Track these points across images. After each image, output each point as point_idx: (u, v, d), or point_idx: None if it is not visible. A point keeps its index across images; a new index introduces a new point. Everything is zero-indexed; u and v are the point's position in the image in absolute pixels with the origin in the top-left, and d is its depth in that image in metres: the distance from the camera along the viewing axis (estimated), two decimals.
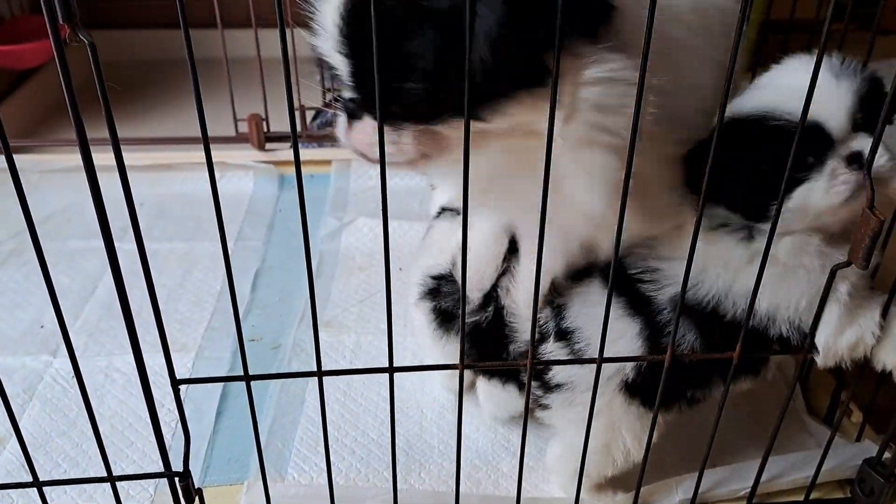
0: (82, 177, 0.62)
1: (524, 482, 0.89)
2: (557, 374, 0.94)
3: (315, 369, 0.78)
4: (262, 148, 1.87)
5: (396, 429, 1.13)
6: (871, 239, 0.72)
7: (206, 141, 0.63)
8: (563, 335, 0.93)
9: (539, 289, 0.73)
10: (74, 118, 0.59)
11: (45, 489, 0.82)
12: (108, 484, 0.82)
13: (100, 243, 0.66)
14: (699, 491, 0.94)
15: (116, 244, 0.66)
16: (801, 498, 1.00)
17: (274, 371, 1.25)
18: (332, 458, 1.08)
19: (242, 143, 1.91)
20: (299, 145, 0.76)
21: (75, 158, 0.63)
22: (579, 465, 0.89)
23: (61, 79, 0.58)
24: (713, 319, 0.85)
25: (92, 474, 1.02)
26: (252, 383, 0.80)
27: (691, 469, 1.06)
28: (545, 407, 0.99)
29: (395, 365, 0.79)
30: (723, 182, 0.80)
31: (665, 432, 0.94)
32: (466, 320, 0.92)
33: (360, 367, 1.29)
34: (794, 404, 1.17)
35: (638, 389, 0.91)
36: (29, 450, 1.09)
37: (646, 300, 0.88)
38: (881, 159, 0.75)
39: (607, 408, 0.91)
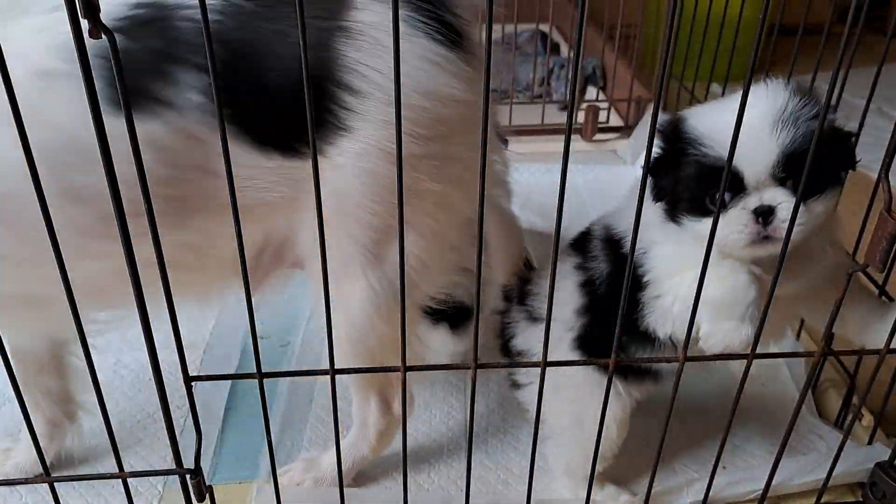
0: None
1: (535, 483, 0.88)
2: (518, 342, 1.03)
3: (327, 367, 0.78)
4: None
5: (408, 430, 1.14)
6: (889, 242, 0.72)
7: (223, 132, 0.63)
8: (523, 299, 1.04)
9: (552, 299, 0.73)
10: (94, 117, 0.59)
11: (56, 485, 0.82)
12: (118, 481, 0.82)
13: None
14: (710, 493, 0.94)
15: None
16: (813, 501, 0.99)
17: (283, 369, 1.25)
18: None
19: None
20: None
21: None
22: (571, 458, 0.97)
23: (82, 75, 0.58)
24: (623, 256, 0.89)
25: (101, 471, 1.03)
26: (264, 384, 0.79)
27: (701, 471, 1.06)
28: (518, 385, 1.05)
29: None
30: (658, 179, 0.82)
31: (635, 407, 0.99)
32: None
33: None
34: (804, 407, 1.17)
35: (590, 347, 0.95)
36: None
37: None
38: (783, 212, 0.75)
39: (565, 376, 0.93)
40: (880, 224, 0.72)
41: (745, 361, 0.80)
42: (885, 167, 0.73)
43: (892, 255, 0.76)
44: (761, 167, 0.74)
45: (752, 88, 0.70)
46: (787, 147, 0.74)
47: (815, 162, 0.66)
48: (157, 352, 0.73)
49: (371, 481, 1.06)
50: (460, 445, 1.11)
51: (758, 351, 0.79)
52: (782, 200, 0.75)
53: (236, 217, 0.66)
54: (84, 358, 0.72)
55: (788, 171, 0.74)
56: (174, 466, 0.81)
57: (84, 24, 0.56)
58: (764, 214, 0.75)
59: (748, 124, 0.70)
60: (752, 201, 0.76)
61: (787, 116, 0.74)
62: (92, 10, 0.55)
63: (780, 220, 0.74)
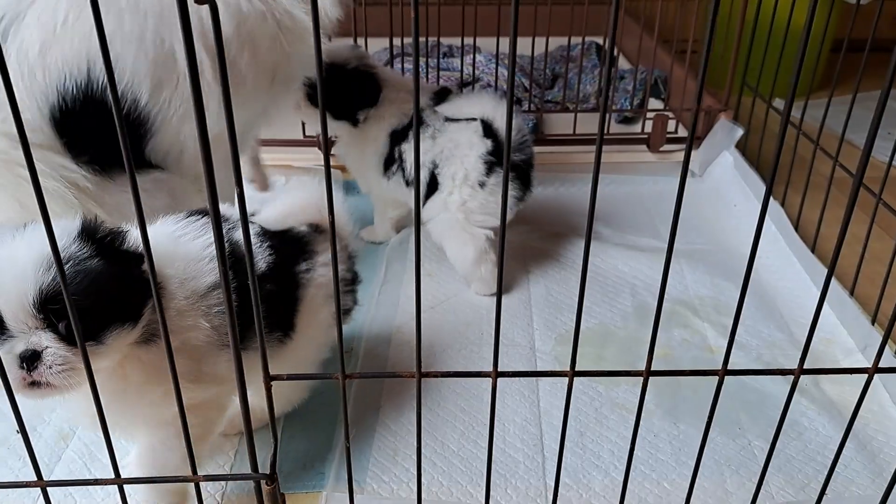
0: None
1: None
2: None
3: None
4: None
5: (480, 442, 1.08)
6: None
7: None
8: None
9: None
10: (196, 107, 0.55)
11: (124, 487, 0.78)
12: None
13: None
14: None
15: None
16: None
17: None
18: (411, 469, 1.03)
19: (309, 146, 1.88)
20: None
21: None
22: None
23: (185, 48, 0.54)
24: None
25: None
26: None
27: (799, 495, 0.99)
28: None
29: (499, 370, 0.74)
30: None
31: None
32: None
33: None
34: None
35: None
36: (92, 448, 1.06)
37: None
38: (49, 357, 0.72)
39: None
40: None
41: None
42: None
43: None
44: (21, 307, 0.70)
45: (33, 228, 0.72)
46: (49, 288, 0.70)
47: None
48: None
49: (444, 494, 1.00)
50: (536, 460, 1.05)
51: None
52: (47, 345, 0.72)
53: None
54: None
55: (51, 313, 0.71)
56: (248, 471, 0.77)
57: None
58: (30, 358, 0.71)
59: (9, 261, 0.69)
60: (18, 346, 0.72)
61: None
62: None
63: (47, 365, 0.72)
